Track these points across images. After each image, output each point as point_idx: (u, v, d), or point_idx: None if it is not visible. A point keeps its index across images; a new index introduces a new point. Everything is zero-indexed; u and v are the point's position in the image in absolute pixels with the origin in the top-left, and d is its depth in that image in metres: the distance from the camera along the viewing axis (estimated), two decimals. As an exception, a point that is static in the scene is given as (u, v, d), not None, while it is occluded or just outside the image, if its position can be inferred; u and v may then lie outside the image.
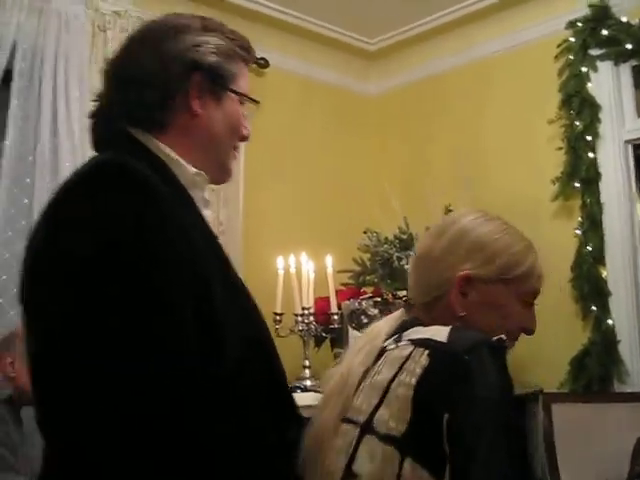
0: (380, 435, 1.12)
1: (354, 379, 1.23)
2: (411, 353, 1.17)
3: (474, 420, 1.07)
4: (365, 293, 3.54)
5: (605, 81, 3.48)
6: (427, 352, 1.15)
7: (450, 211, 3.51)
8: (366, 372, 1.23)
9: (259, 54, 3.87)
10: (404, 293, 3.07)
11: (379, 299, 3.39)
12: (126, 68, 1.28)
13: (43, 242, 1.10)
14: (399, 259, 3.41)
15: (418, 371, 1.12)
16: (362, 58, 4.51)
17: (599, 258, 3.38)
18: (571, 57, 3.55)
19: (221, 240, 1.30)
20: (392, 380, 1.15)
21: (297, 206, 4.03)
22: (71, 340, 1.00)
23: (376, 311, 3.31)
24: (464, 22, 4.02)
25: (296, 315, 3.41)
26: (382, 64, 4.53)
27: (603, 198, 3.41)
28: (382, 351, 1.25)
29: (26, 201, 2.99)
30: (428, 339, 1.19)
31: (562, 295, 3.45)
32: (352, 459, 1.15)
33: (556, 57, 3.61)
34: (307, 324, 3.41)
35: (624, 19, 3.37)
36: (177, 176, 1.25)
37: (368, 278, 3.58)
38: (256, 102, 1.39)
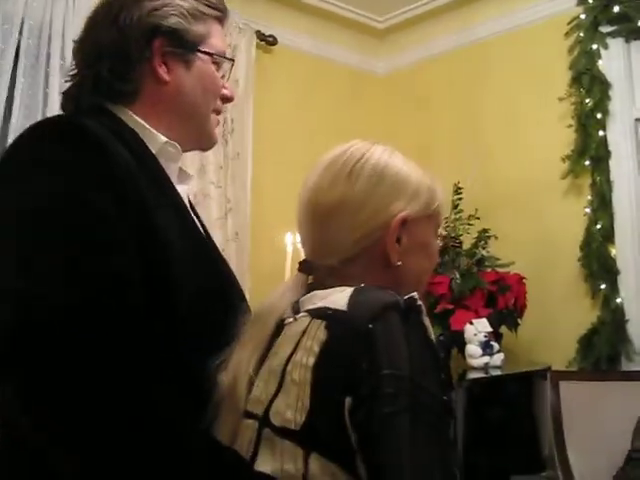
0: (277, 429, 0.97)
1: (242, 387, 1.05)
2: (307, 327, 0.99)
3: (383, 409, 0.90)
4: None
5: (616, 58, 3.45)
6: (324, 324, 0.97)
7: (460, 189, 3.48)
8: (261, 359, 1.06)
9: (268, 31, 3.85)
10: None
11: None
12: (89, 44, 1.25)
13: None
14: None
15: (315, 349, 0.96)
16: (371, 36, 4.47)
17: (608, 236, 3.37)
18: (582, 34, 3.52)
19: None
20: (288, 361, 0.99)
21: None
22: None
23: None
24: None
25: (304, 291, 3.40)
26: (391, 42, 4.50)
27: (613, 176, 3.39)
28: (281, 325, 1.07)
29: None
30: (325, 308, 1.01)
31: (571, 273, 3.45)
32: (254, 458, 0.99)
33: (566, 34, 3.58)
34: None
35: (636, -5, 3.34)
36: (148, 145, 1.22)
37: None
38: (231, 60, 1.32)
